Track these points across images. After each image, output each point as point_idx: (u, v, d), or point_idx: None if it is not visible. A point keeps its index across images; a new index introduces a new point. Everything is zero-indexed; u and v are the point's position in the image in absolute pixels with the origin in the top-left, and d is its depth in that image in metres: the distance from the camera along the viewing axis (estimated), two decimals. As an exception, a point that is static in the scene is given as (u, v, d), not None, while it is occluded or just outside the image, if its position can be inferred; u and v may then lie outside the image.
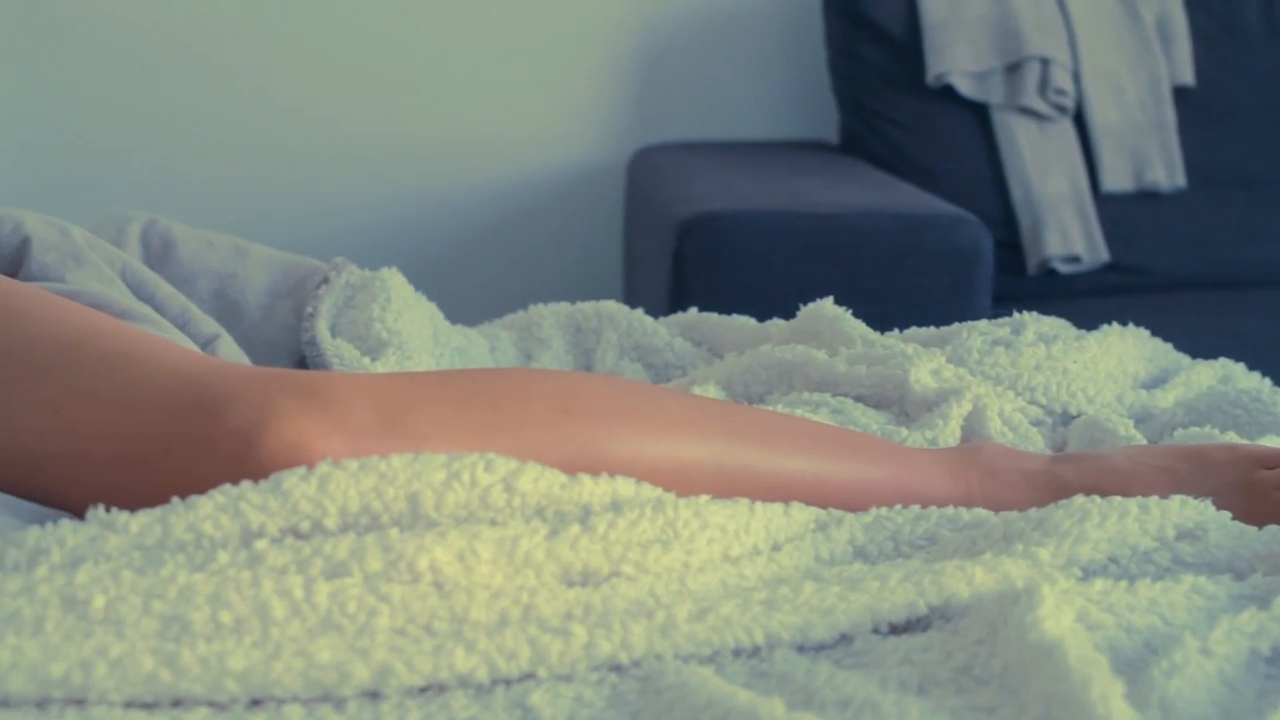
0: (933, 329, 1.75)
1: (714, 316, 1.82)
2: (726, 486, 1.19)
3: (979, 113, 3.25)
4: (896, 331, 1.77)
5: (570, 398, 1.17)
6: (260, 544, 0.97)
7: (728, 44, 3.54)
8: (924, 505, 1.26)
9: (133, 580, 0.93)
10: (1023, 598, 0.98)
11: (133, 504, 1.03)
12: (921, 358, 1.60)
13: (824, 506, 1.23)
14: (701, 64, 3.54)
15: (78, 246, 1.52)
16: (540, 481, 1.07)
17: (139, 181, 3.45)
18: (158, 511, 1.00)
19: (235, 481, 1.02)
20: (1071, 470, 1.34)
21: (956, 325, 1.73)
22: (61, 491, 1.12)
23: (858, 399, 1.60)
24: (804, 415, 1.47)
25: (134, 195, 3.33)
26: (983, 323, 1.73)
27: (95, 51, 3.42)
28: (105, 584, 0.92)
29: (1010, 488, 1.33)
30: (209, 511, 0.99)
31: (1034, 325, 1.71)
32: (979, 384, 1.57)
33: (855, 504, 1.25)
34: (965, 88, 3.24)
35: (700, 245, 2.60)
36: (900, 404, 1.58)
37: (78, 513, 1.09)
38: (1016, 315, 1.74)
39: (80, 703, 0.87)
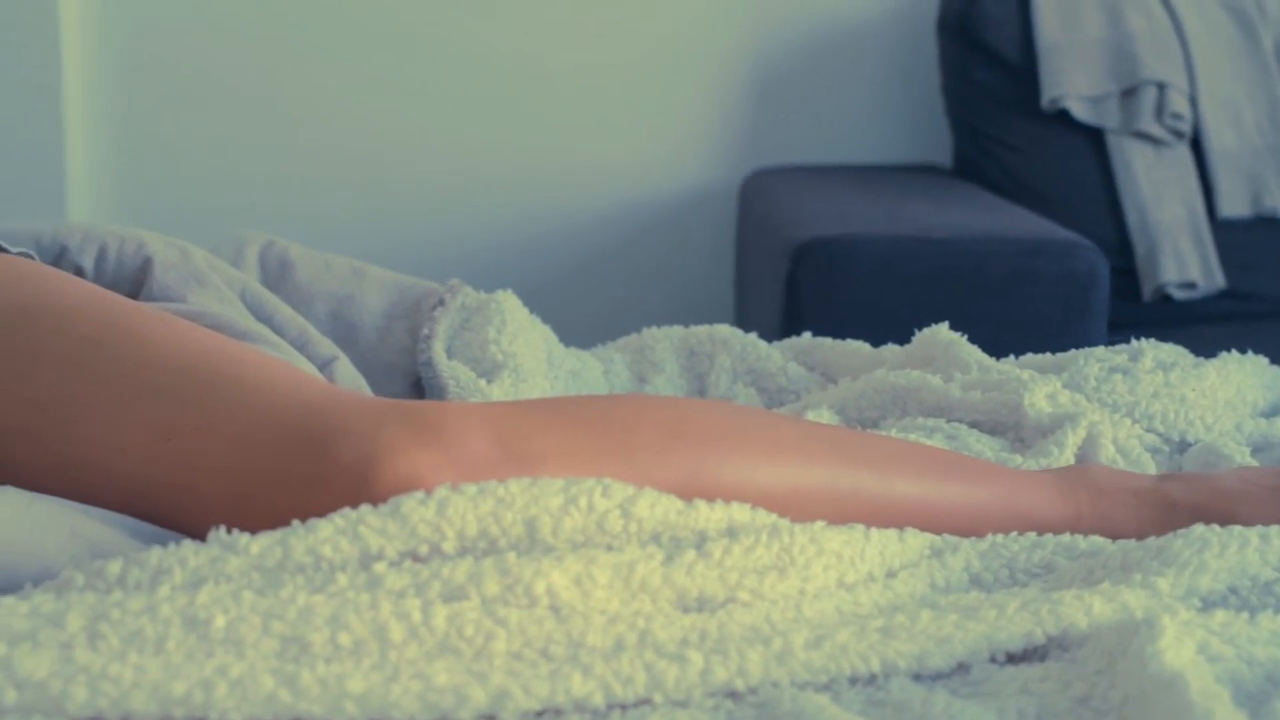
0: (1049, 355, 1.74)
1: (828, 341, 1.81)
2: (837, 511, 1.19)
3: (1094, 137, 3.22)
4: (1012, 358, 1.76)
5: (681, 423, 1.18)
6: (379, 567, 0.98)
7: (841, 67, 3.53)
8: (1034, 525, 1.26)
9: (253, 601, 0.94)
10: (1142, 628, 0.97)
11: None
12: (1037, 383, 1.59)
13: (935, 529, 1.23)
14: (814, 87, 3.54)
15: (199, 267, 1.54)
16: (657, 507, 1.07)
17: (256, 204, 3.48)
18: (278, 534, 1.01)
19: None
20: (1181, 489, 1.33)
21: (1073, 352, 1.72)
22: (173, 519, 1.13)
23: (972, 425, 1.59)
24: (917, 440, 1.47)
25: (252, 218, 3.36)
26: (1100, 349, 1.72)
27: (215, 81, 3.46)
28: (226, 604, 0.93)
29: (1120, 506, 1.31)
30: (328, 535, 1.00)
31: (1152, 352, 1.70)
32: (1095, 410, 1.56)
33: (966, 526, 1.25)
34: (1080, 112, 3.21)
35: (814, 269, 2.59)
36: (1015, 430, 1.57)
37: (191, 536, 1.10)
38: (1134, 342, 1.72)
39: (201, 721, 0.88)
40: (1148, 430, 1.59)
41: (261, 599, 0.94)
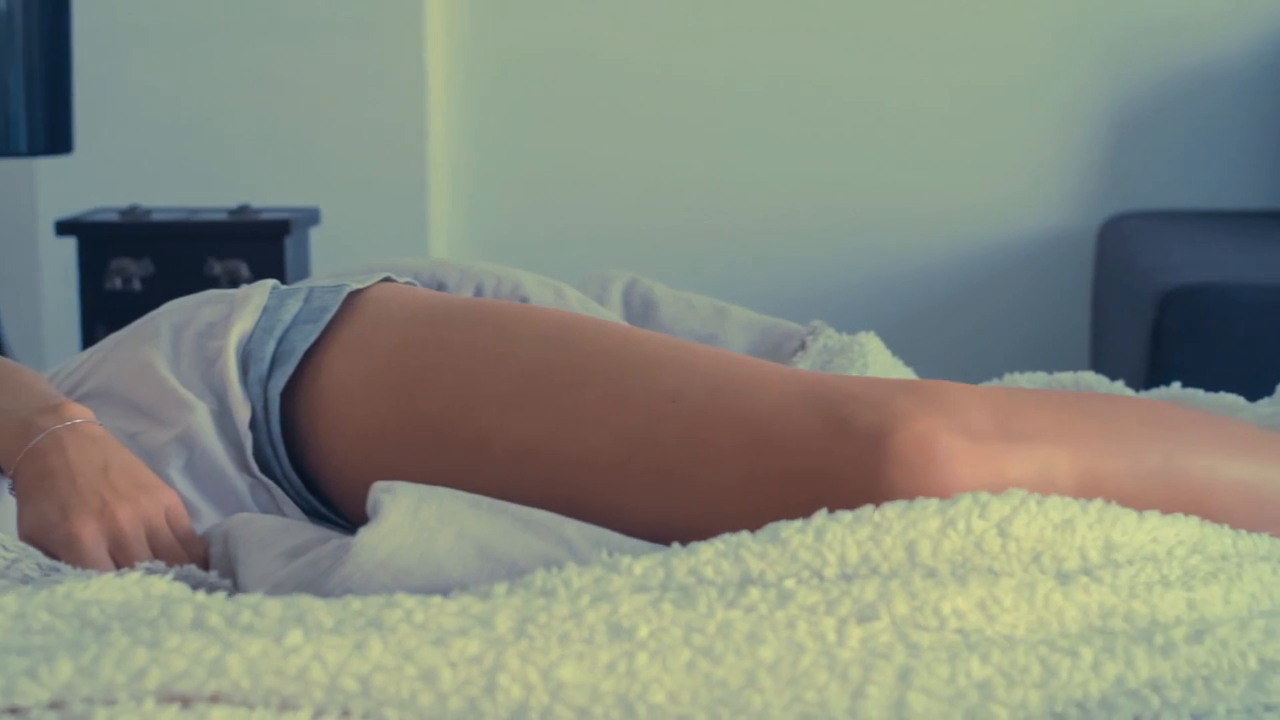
0: None
1: (1200, 393, 1.77)
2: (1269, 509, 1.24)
3: None
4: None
5: (1153, 412, 1.24)
6: (789, 583, 1.02)
7: (1206, 108, 3.46)
8: None
9: (673, 613, 0.98)
10: None
11: (739, 501, 1.13)
12: None
13: None
14: (1178, 128, 3.47)
15: (572, 307, 1.57)
16: (1032, 525, 1.10)
17: (614, 246, 3.53)
18: (659, 555, 1.06)
19: (863, 479, 1.12)
20: None
21: None
22: (670, 476, 1.21)
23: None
24: None
25: (610, 258, 3.41)
26: None
27: (573, 129, 3.53)
28: (648, 614, 0.98)
29: None
30: (709, 557, 1.05)
31: None
32: None
33: None
34: None
35: (1182, 318, 2.54)
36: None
37: (666, 503, 1.19)
38: None
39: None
40: None
41: (681, 612, 0.99)
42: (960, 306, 3.54)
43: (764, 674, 0.95)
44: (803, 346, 1.67)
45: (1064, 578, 1.05)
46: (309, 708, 0.92)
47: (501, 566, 1.12)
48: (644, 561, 1.04)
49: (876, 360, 1.66)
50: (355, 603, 0.99)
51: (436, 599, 0.99)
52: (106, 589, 1.08)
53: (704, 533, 1.11)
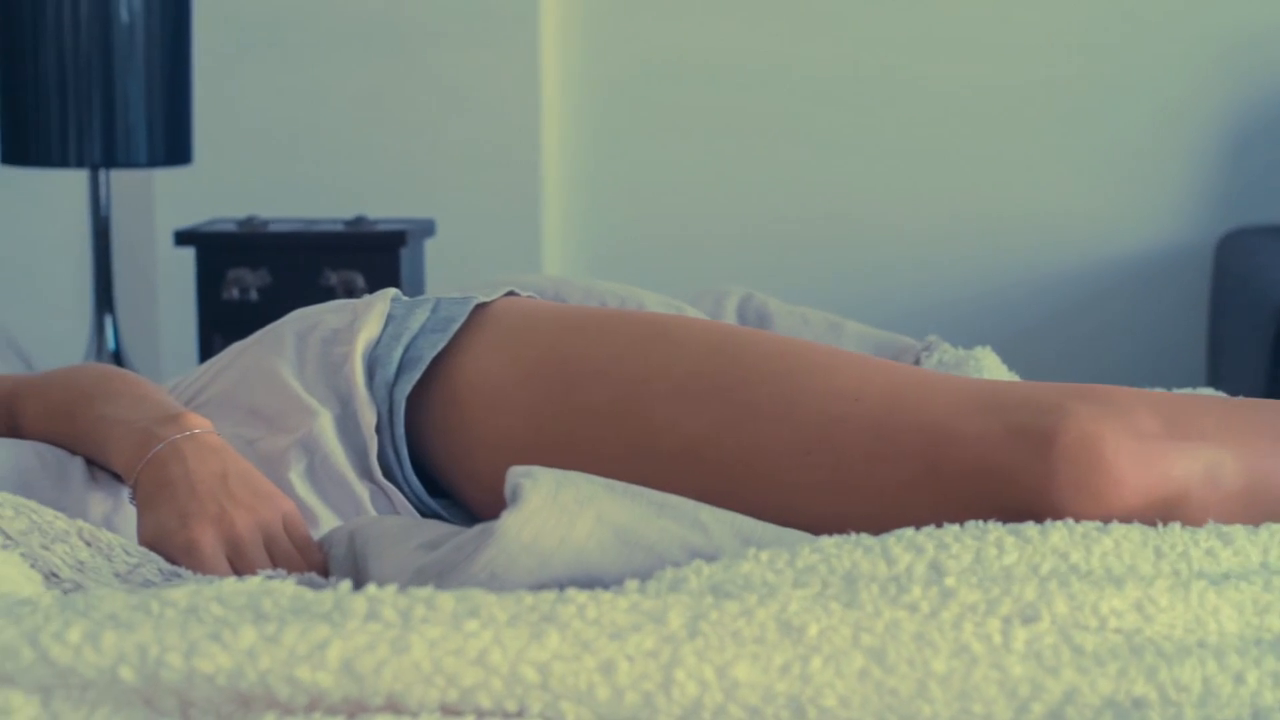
0: None
1: (1321, 410, 1.75)
2: None
3: None
4: None
5: None
6: (949, 580, 1.05)
7: (1327, 123, 3.42)
8: None
9: (841, 612, 1.01)
10: None
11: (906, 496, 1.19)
12: None
13: None
14: (1298, 143, 3.43)
15: (697, 328, 1.58)
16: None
17: (728, 261, 3.54)
18: (784, 548, 1.10)
19: (1035, 479, 1.17)
20: None
21: None
22: (850, 473, 1.27)
23: None
24: None
25: (723, 273, 3.41)
26: None
27: (683, 144, 3.54)
28: (817, 613, 1.01)
29: None
30: (834, 541, 1.10)
31: None
32: None
33: None
34: None
35: (1304, 333, 2.51)
36: None
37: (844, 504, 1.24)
38: None
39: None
40: None
41: (849, 611, 1.02)
42: (1075, 320, 3.52)
43: (935, 685, 0.98)
44: (918, 361, 1.67)
45: (1215, 579, 1.08)
46: (486, 700, 0.94)
47: (639, 550, 1.15)
48: (769, 551, 1.07)
49: (992, 375, 1.66)
50: (528, 598, 1.01)
51: (607, 595, 1.02)
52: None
53: (877, 530, 1.16)
